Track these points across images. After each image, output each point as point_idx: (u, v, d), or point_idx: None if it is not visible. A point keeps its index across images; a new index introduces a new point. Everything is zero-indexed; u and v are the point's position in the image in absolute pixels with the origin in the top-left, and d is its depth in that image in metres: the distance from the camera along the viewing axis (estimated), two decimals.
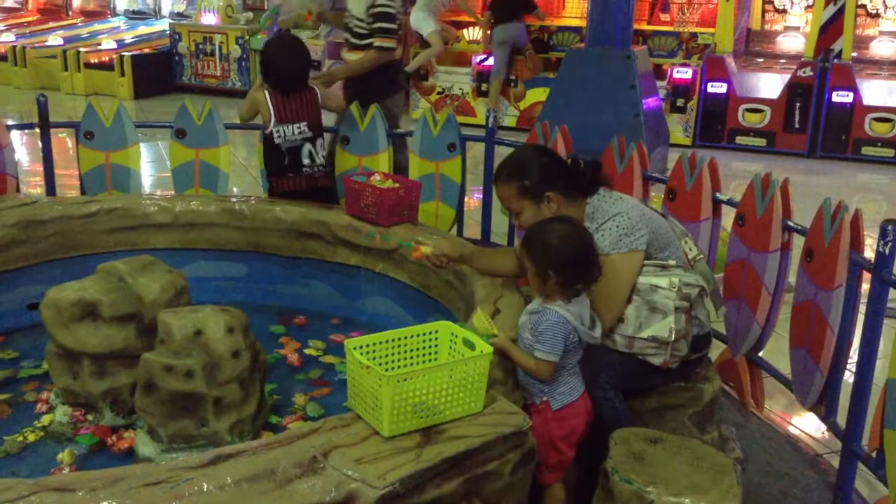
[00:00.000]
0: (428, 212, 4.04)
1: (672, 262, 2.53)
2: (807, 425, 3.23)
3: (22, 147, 6.98)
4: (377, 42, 4.28)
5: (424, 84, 9.03)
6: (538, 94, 8.35)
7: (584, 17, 7.89)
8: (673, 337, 2.43)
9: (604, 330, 2.44)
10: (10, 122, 4.04)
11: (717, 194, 3.27)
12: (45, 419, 2.77)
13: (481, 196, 4.31)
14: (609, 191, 2.61)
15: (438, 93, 9.00)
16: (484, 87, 8.82)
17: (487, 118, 4.20)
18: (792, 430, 3.22)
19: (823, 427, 2.95)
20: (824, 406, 2.79)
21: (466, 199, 4.32)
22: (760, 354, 3.16)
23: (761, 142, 8.03)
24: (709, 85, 8.04)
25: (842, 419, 2.73)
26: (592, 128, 6.08)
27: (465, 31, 9.52)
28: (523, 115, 8.67)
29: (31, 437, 2.69)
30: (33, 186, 5.85)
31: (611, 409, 2.47)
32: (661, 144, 7.07)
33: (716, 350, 3.22)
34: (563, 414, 2.28)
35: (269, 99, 3.68)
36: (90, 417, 2.76)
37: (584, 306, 2.29)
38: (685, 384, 2.67)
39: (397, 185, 3.49)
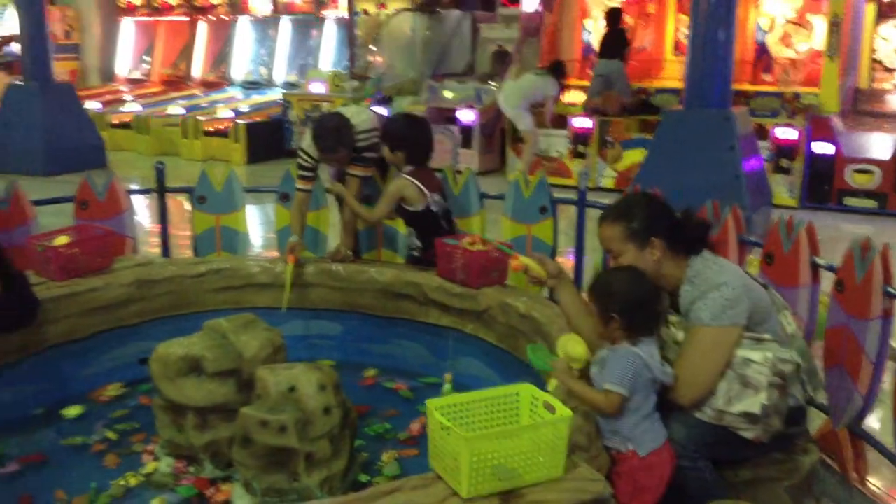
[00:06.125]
0: (519, 274, 4.07)
1: (767, 336, 2.47)
2: None
3: (145, 210, 7.45)
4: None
5: (521, 146, 9.16)
6: (636, 156, 8.34)
7: (682, 78, 7.89)
8: (764, 413, 2.37)
9: (693, 402, 2.42)
10: (133, 187, 4.37)
11: (816, 259, 3.19)
12: (150, 467, 2.93)
13: (573, 258, 4.33)
14: (713, 255, 2.57)
15: (535, 155, 9.09)
16: (581, 148, 8.88)
17: (580, 181, 4.24)
18: None
19: None
20: None
21: (559, 261, 4.33)
22: (863, 425, 3.02)
23: (872, 203, 7.73)
24: (815, 145, 7.83)
25: None
26: (691, 189, 5.97)
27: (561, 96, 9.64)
28: (621, 176, 8.65)
29: (133, 482, 2.85)
30: (153, 247, 6.23)
31: (699, 480, 2.42)
32: (765, 206, 6.92)
33: (817, 420, 3.10)
34: (650, 461, 2.27)
35: (411, 179, 3.80)
36: (191, 469, 2.90)
37: (652, 347, 2.32)
38: (781, 456, 2.59)
39: (487, 247, 3.56)
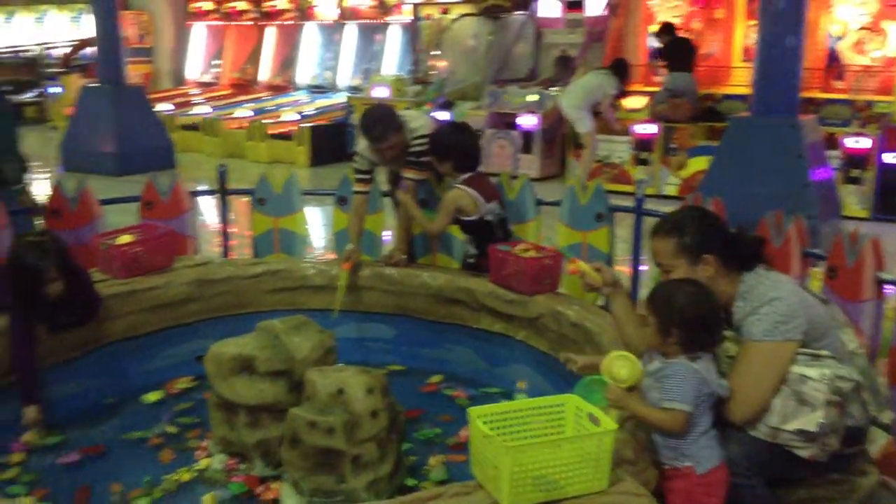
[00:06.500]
0: (573, 281, 4.04)
1: (825, 353, 2.39)
2: None
3: (213, 210, 7.64)
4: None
5: (581, 151, 9.06)
6: (701, 163, 8.17)
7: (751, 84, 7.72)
8: (821, 431, 2.29)
9: (746, 419, 2.36)
10: (200, 188, 4.50)
11: (881, 273, 3.08)
12: (203, 463, 3.00)
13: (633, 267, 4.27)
14: (767, 270, 2.51)
15: (596, 161, 8.99)
16: (643, 155, 8.75)
17: (637, 188, 4.18)
18: None
19: None
20: None
21: (616, 269, 4.28)
22: None
23: None
24: (887, 155, 7.55)
25: None
26: (757, 198, 5.87)
27: (623, 100, 9.53)
28: (685, 184, 8.48)
29: (186, 477, 2.92)
30: (217, 247, 6.36)
31: (753, 497, 2.36)
32: (833, 217, 6.71)
33: (881, 440, 2.99)
34: (709, 479, 2.22)
35: (466, 189, 3.78)
36: (243, 466, 2.95)
37: (710, 362, 2.27)
38: (839, 476, 2.50)
39: (540, 254, 3.54)
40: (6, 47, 16.47)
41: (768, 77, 6.35)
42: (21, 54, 16.05)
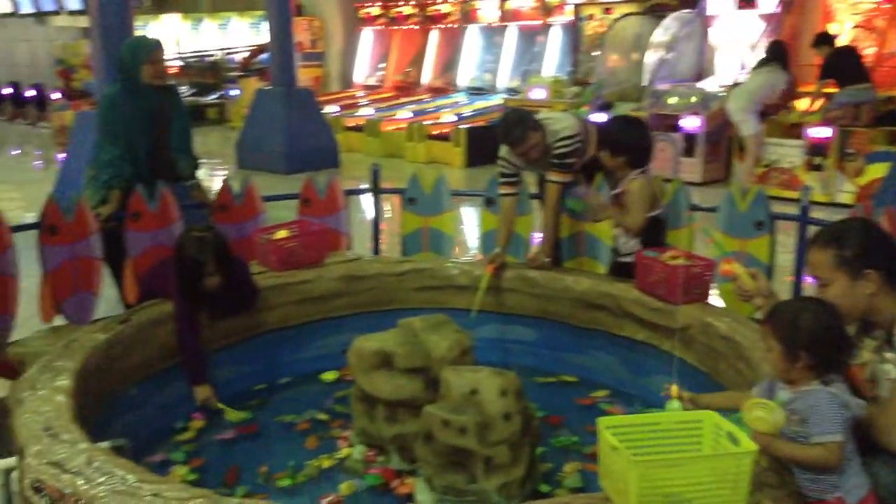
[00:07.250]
0: (728, 291, 3.84)
1: None
2: None
3: (371, 207, 7.90)
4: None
5: (745, 155, 8.60)
6: (880, 170, 7.55)
7: None
8: None
9: None
10: (362, 186, 4.75)
11: None
12: (344, 452, 3.11)
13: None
14: None
15: (765, 166, 8.52)
16: (817, 160, 8.20)
17: (802, 195, 3.92)
18: None
19: None
20: None
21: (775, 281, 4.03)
22: None
23: None
24: None
25: None
26: None
27: (798, 101, 8.96)
28: (862, 192, 7.87)
29: (327, 464, 3.04)
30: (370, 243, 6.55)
31: None
32: None
33: None
34: None
35: (649, 178, 3.71)
36: (380, 459, 3.02)
37: (841, 384, 2.08)
38: None
39: (690, 262, 3.39)
40: (193, 52, 17.77)
41: None
42: (205, 59, 17.28)
